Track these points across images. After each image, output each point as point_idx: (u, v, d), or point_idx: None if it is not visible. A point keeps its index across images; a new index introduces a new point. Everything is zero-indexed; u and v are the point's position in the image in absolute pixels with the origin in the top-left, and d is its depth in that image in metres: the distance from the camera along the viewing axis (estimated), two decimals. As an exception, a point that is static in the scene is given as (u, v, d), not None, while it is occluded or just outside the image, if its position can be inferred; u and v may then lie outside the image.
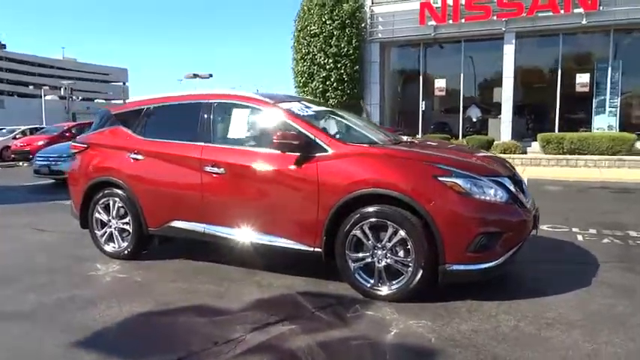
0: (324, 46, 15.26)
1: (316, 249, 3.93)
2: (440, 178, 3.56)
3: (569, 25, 13.57)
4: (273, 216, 4.07)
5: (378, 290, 3.72)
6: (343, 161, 3.83)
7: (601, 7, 12.91)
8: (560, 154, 13.06)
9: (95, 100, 51.53)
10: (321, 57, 15.33)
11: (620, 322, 3.29)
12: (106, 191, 4.91)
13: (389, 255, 3.68)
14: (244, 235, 4.21)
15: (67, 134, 18.36)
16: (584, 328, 3.21)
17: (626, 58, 14.06)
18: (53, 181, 11.44)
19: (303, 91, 15.77)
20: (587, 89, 14.27)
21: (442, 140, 10.10)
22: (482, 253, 3.54)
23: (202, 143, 4.40)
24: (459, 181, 3.54)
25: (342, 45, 15.14)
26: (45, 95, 48.70)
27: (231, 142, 4.39)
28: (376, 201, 3.68)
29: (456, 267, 3.53)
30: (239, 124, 4.42)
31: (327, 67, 15.29)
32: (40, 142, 17.68)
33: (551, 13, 13.37)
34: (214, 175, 4.25)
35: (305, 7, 15.85)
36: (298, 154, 3.92)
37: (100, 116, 5.35)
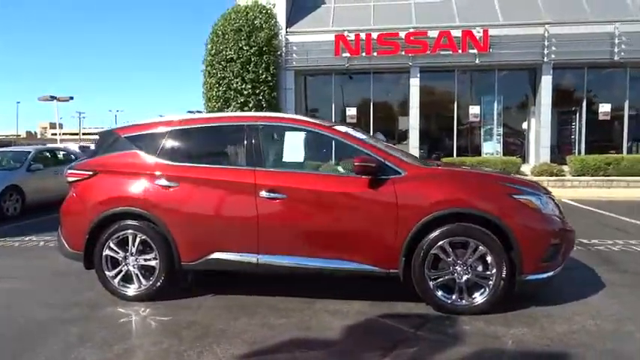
0: (241, 71, 15.11)
1: (392, 270, 3.95)
2: (515, 196, 3.88)
3: (465, 63, 15.40)
4: (343, 240, 3.99)
5: (459, 305, 3.87)
6: (421, 183, 3.95)
7: (490, 50, 14.94)
8: (463, 176, 14.56)
9: None
10: (238, 82, 15.13)
11: (666, 313, 3.89)
12: (122, 224, 4.32)
13: (469, 270, 3.86)
14: (307, 261, 4.05)
15: None
16: (645, 321, 3.73)
17: (506, 94, 16.35)
18: None
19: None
20: (477, 119, 16.23)
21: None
22: (551, 262, 3.92)
23: (253, 167, 4.16)
24: (532, 198, 3.90)
25: (260, 71, 15.15)
26: None
27: (287, 166, 4.23)
28: (455, 219, 3.86)
29: (531, 277, 3.85)
30: (295, 147, 4.27)
31: (245, 92, 15.14)
32: None
33: (450, 52, 15.07)
34: (274, 201, 4.04)
35: (219, 32, 15.56)
36: (370, 177, 3.93)
37: (103, 139, 4.71)
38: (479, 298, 3.85)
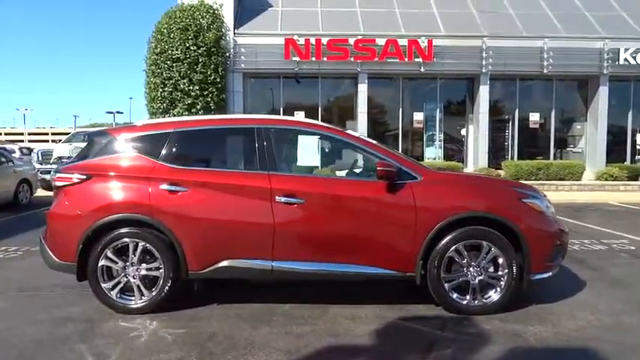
0: (189, 72, 14.59)
1: (408, 273, 4.02)
2: (523, 200, 4.11)
3: (411, 71, 16.00)
4: (362, 244, 4.00)
5: (473, 306, 4.02)
6: (438, 187, 4.06)
7: (435, 59, 15.62)
8: (410, 180, 15.10)
9: None
10: (185, 83, 14.60)
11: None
12: (121, 231, 4.03)
13: (482, 272, 4.02)
14: (325, 267, 4.01)
15: None
16: (640, 312, 4.09)
17: (447, 102, 17.22)
18: None
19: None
20: (422, 125, 16.92)
21: None
22: (554, 262, 4.19)
23: (267, 172, 4.04)
24: (537, 202, 4.15)
25: (209, 72, 14.73)
26: None
27: (302, 170, 4.17)
28: (469, 223, 4.00)
29: (537, 276, 4.09)
30: (308, 152, 4.22)
31: (193, 94, 14.64)
32: None
33: (397, 60, 15.57)
34: (292, 206, 3.96)
35: (163, 30, 14.92)
36: (388, 181, 3.98)
37: (94, 140, 4.34)
38: (492, 298, 4.02)
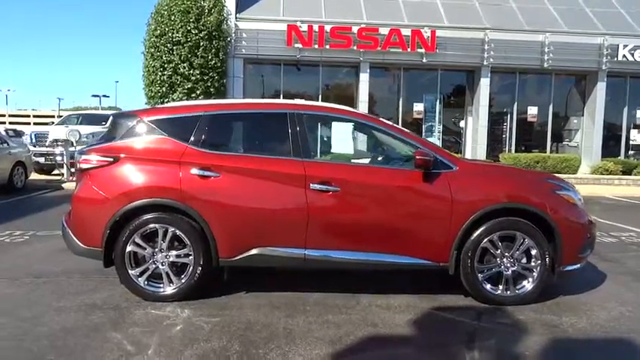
0: (189, 55, 14.32)
1: (442, 263, 4.00)
2: (557, 192, 4.09)
3: (413, 62, 15.91)
4: (399, 233, 3.95)
5: (505, 297, 4.01)
6: (474, 177, 4.02)
7: (437, 50, 15.57)
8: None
9: None
10: (185, 67, 14.33)
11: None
12: (150, 216, 3.92)
13: (515, 263, 4.01)
14: (359, 256, 3.96)
15: None
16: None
17: (447, 93, 17.21)
18: None
19: (162, 103, 14.43)
20: (421, 116, 16.90)
21: None
22: (584, 254, 4.20)
23: (301, 158, 3.96)
24: (570, 194, 4.14)
25: (210, 57, 14.47)
26: None
27: (337, 158, 4.09)
28: (504, 214, 3.97)
29: (568, 267, 4.10)
30: (343, 139, 4.15)
31: (193, 78, 14.39)
32: None
33: (400, 50, 15.47)
34: (327, 194, 3.89)
35: (163, 12, 14.60)
36: (424, 170, 3.93)
37: (120, 122, 4.20)
38: (524, 288, 4.02)
